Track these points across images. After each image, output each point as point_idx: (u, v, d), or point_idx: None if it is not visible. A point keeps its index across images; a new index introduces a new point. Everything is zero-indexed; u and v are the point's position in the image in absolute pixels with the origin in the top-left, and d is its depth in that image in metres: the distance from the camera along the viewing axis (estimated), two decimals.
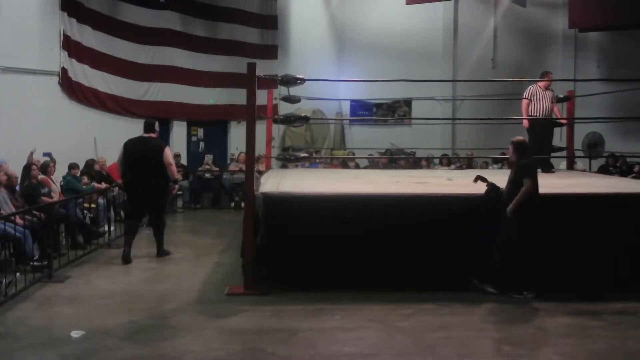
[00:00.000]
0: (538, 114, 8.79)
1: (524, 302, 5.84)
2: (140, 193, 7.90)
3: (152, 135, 8.16)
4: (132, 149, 8.00)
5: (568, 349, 4.75)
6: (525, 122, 9.05)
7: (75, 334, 4.94)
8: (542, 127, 8.80)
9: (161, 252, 8.16)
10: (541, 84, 8.94)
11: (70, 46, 12.32)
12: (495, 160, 14.21)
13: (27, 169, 8.57)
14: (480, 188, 6.31)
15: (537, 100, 8.84)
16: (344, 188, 7.14)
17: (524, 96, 8.99)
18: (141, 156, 7.88)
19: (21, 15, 11.33)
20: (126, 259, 7.73)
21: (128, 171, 7.99)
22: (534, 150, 8.90)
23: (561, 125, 9.63)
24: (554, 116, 9.10)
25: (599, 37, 16.35)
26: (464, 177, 8.70)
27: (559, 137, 11.00)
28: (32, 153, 9.42)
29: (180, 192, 13.18)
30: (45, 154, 10.37)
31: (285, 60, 15.65)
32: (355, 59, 15.86)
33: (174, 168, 8.14)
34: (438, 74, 15.64)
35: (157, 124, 8.29)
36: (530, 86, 9.09)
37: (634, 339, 4.98)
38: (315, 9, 16.39)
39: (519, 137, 6.48)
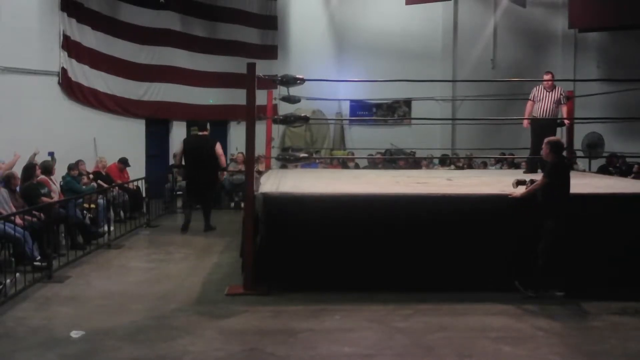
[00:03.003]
0: (537, 115, 8.82)
1: (524, 302, 5.85)
2: (199, 178, 9.85)
3: (205, 133, 10.15)
4: (190, 144, 10.11)
5: (568, 349, 4.75)
6: (525, 123, 9.06)
7: (75, 334, 4.94)
8: (540, 127, 8.80)
9: (208, 227, 9.95)
10: (544, 84, 8.96)
11: (70, 46, 12.32)
12: (495, 160, 14.22)
13: (28, 169, 8.54)
14: (480, 188, 6.31)
15: (538, 100, 8.88)
16: (343, 188, 7.14)
17: (529, 97, 9.05)
18: (198, 150, 9.88)
19: (21, 16, 11.33)
20: (185, 229, 9.88)
21: (188, 162, 9.98)
22: (533, 151, 8.93)
23: (563, 125, 9.59)
24: (560, 116, 9.07)
25: (599, 37, 16.37)
26: (464, 178, 8.73)
27: (559, 137, 10.99)
28: (35, 155, 9.40)
29: (179, 193, 13.19)
30: (49, 154, 10.38)
31: (285, 60, 15.66)
32: (355, 59, 15.87)
33: (223, 158, 10.19)
34: (438, 74, 15.65)
35: (208, 124, 10.30)
36: (534, 87, 9.12)
37: (634, 339, 4.98)
38: (315, 9, 16.40)
39: (554, 137, 6.51)
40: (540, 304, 5.80)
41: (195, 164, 9.88)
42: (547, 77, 9.01)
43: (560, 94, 8.88)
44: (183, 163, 10.25)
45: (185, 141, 10.44)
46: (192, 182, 10.07)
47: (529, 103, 9.00)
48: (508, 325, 5.25)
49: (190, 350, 4.60)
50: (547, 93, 8.86)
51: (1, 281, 6.02)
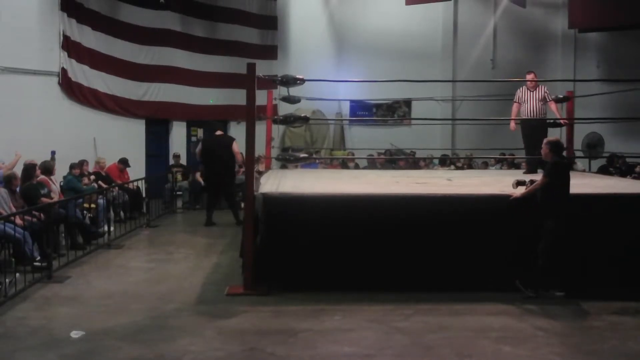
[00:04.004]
0: (524, 116, 8.76)
1: (524, 302, 5.85)
2: (218, 175, 10.56)
3: (220, 132, 10.92)
4: (209, 144, 10.73)
5: (568, 349, 4.75)
6: (512, 125, 9.00)
7: (75, 334, 4.94)
8: (530, 128, 8.77)
9: (239, 221, 10.07)
10: (527, 84, 8.93)
11: (70, 46, 12.31)
12: (495, 160, 14.22)
13: (28, 169, 8.54)
14: (480, 189, 6.31)
15: (523, 102, 8.84)
16: (343, 188, 7.14)
17: (514, 99, 9.01)
18: (216, 148, 10.53)
19: (21, 16, 11.33)
20: (209, 224, 10.50)
21: (207, 161, 10.65)
22: (527, 152, 8.91)
23: (560, 125, 9.56)
24: (550, 115, 9.04)
25: (599, 37, 16.38)
26: (464, 178, 8.73)
27: (558, 137, 10.99)
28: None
29: (179, 193, 13.21)
30: (51, 153, 10.38)
31: (284, 60, 15.66)
32: (354, 59, 15.87)
33: (240, 156, 10.51)
34: (437, 74, 15.66)
35: (218, 124, 11.30)
36: (518, 89, 9.07)
37: (634, 339, 4.98)
38: (315, 9, 16.40)
39: (553, 138, 6.49)
40: (540, 304, 5.79)
41: (213, 163, 10.52)
42: (529, 76, 8.93)
43: (544, 92, 8.81)
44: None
45: (203, 141, 11.19)
46: (212, 176, 10.74)
47: (515, 105, 8.96)
48: (508, 325, 5.25)
49: (190, 350, 4.60)
50: (531, 93, 8.81)
51: (1, 281, 6.02)
